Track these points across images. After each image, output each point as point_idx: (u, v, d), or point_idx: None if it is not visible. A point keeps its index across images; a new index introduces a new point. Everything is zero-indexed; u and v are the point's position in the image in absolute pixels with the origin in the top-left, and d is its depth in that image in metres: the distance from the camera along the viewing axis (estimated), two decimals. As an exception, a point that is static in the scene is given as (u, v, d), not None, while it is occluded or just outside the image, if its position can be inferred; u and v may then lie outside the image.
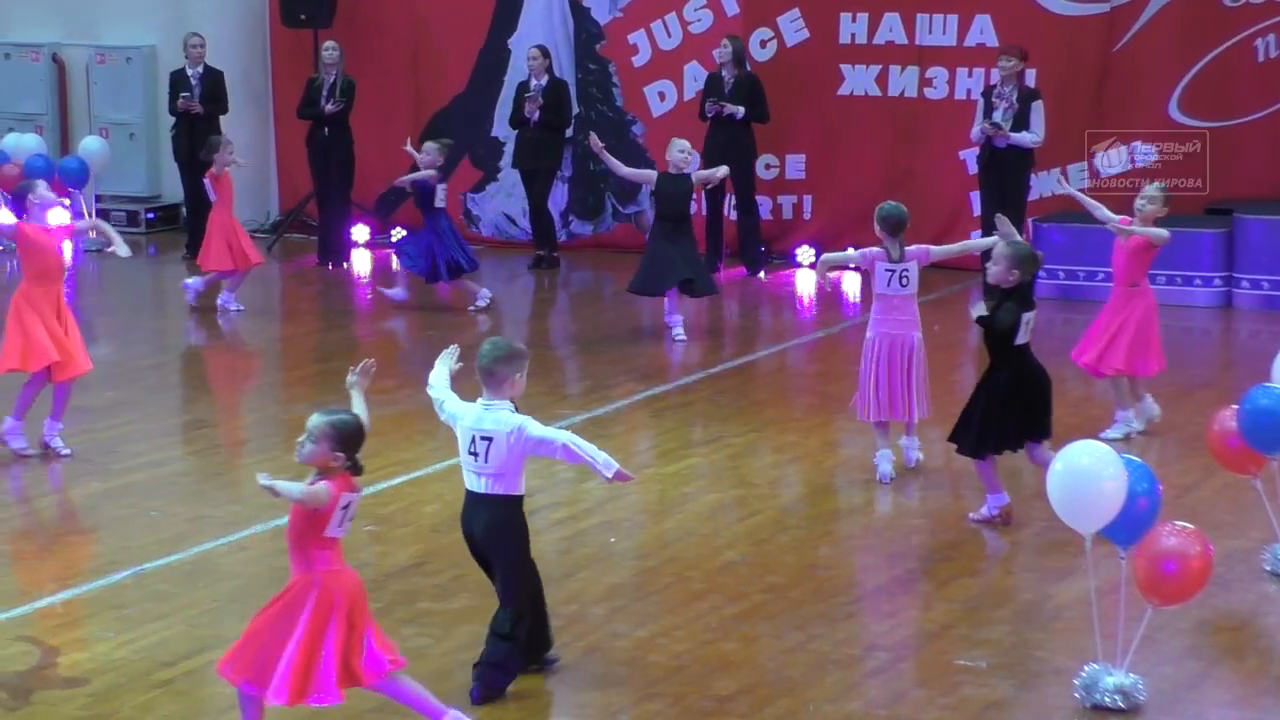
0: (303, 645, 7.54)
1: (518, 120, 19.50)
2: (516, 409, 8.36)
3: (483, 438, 8.30)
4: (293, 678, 7.50)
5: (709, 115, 18.67)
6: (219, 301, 17.27)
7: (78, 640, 9.04)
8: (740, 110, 18.52)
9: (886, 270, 11.97)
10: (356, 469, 7.77)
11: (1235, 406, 10.06)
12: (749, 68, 18.80)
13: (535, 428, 8.32)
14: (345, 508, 7.69)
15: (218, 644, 9.09)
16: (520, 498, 8.46)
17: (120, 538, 10.81)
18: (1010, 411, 10.82)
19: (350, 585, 7.73)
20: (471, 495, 8.47)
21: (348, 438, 7.71)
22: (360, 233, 20.48)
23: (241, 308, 17.24)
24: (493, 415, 8.31)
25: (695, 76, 19.87)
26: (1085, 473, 8.25)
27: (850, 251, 12.72)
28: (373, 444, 12.83)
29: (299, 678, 7.50)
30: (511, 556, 8.50)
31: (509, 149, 20.32)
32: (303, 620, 7.58)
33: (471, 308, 16.98)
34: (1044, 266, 17.41)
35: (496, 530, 8.43)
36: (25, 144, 20.78)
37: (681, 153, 15.90)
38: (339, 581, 7.69)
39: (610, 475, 8.23)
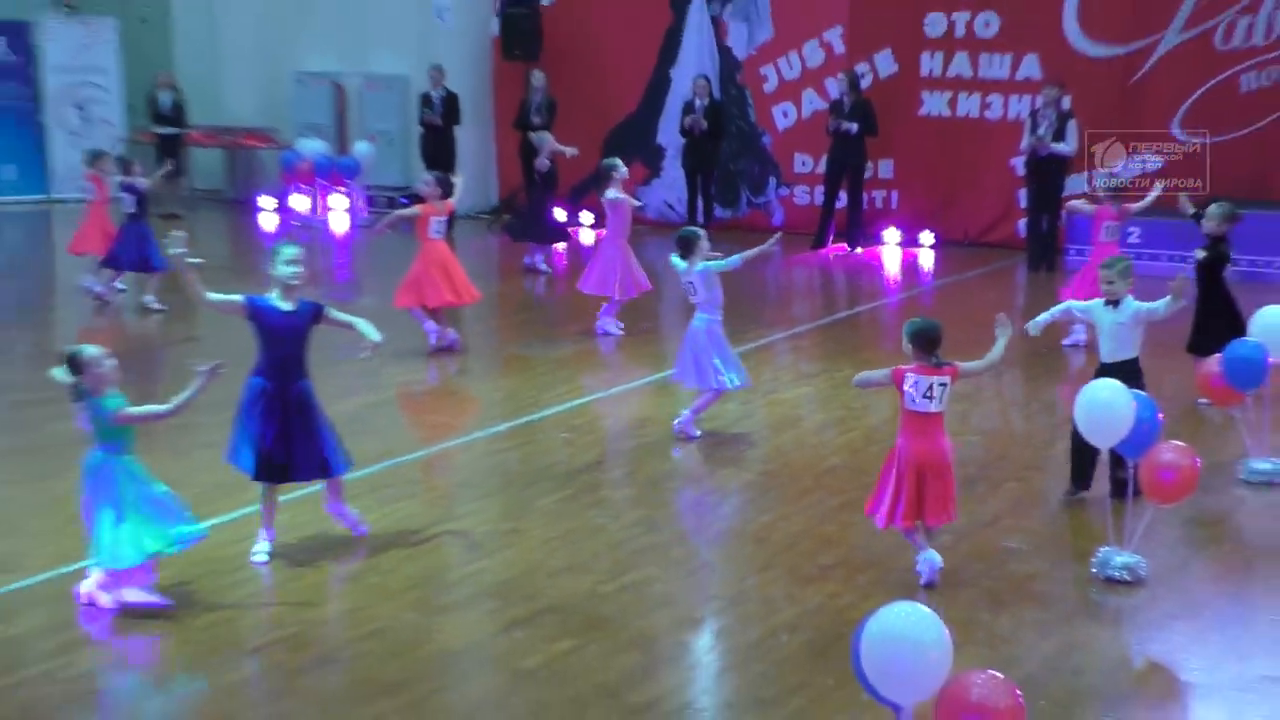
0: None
1: (685, 130, 19.47)
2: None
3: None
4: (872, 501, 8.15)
5: (831, 131, 18.58)
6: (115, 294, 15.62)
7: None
8: (855, 126, 18.40)
9: None
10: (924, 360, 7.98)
11: (1219, 355, 9.98)
12: (862, 93, 18.68)
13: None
14: (913, 386, 7.90)
15: (449, 519, 9.23)
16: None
17: (383, 437, 10.97)
18: (1217, 326, 11.16)
19: (912, 453, 7.92)
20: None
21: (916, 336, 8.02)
22: (559, 215, 20.49)
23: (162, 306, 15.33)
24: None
25: (810, 100, 19.76)
26: (1104, 403, 8.17)
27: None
28: (564, 373, 13.05)
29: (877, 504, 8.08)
30: None
31: (670, 153, 20.33)
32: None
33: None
34: (1076, 246, 17.25)
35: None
36: (314, 146, 21.06)
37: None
38: (905, 447, 7.96)
39: None
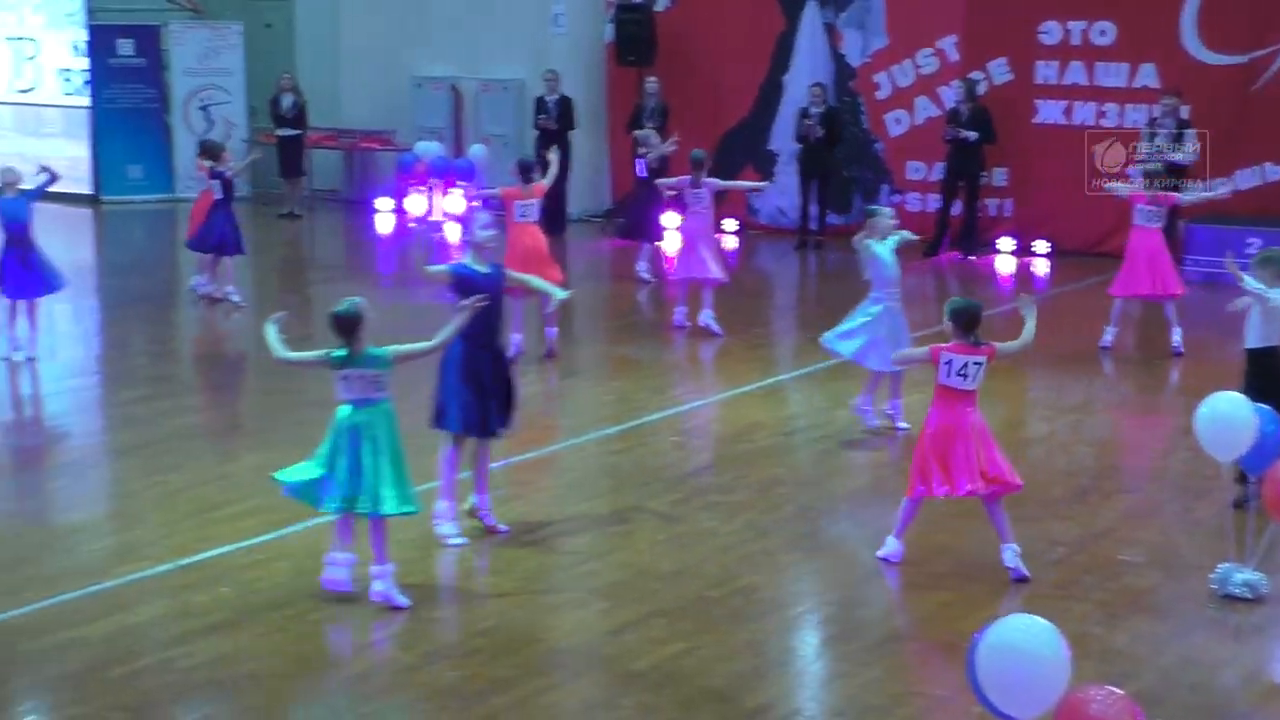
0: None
1: (800, 136, 19.35)
2: None
3: None
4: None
5: (947, 139, 18.42)
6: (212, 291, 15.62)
7: (464, 511, 9.16)
8: (973, 135, 18.22)
9: None
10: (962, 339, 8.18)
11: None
12: (979, 101, 18.49)
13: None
14: (948, 363, 8.09)
15: (562, 519, 9.20)
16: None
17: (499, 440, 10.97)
18: None
19: (937, 424, 8.16)
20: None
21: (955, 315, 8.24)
22: (670, 219, 20.42)
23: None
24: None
25: (924, 107, 19.54)
26: (1225, 416, 7.97)
27: None
28: (672, 377, 12.99)
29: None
30: None
31: (783, 159, 20.19)
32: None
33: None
34: (1191, 257, 16.92)
35: None
36: (431, 149, 21.17)
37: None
38: (934, 418, 8.19)
39: None
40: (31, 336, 13.08)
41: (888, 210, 11.38)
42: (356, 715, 6.79)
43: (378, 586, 7.73)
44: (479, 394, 8.63)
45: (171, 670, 7.05)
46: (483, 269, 8.70)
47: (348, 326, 7.62)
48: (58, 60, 23.42)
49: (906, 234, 11.23)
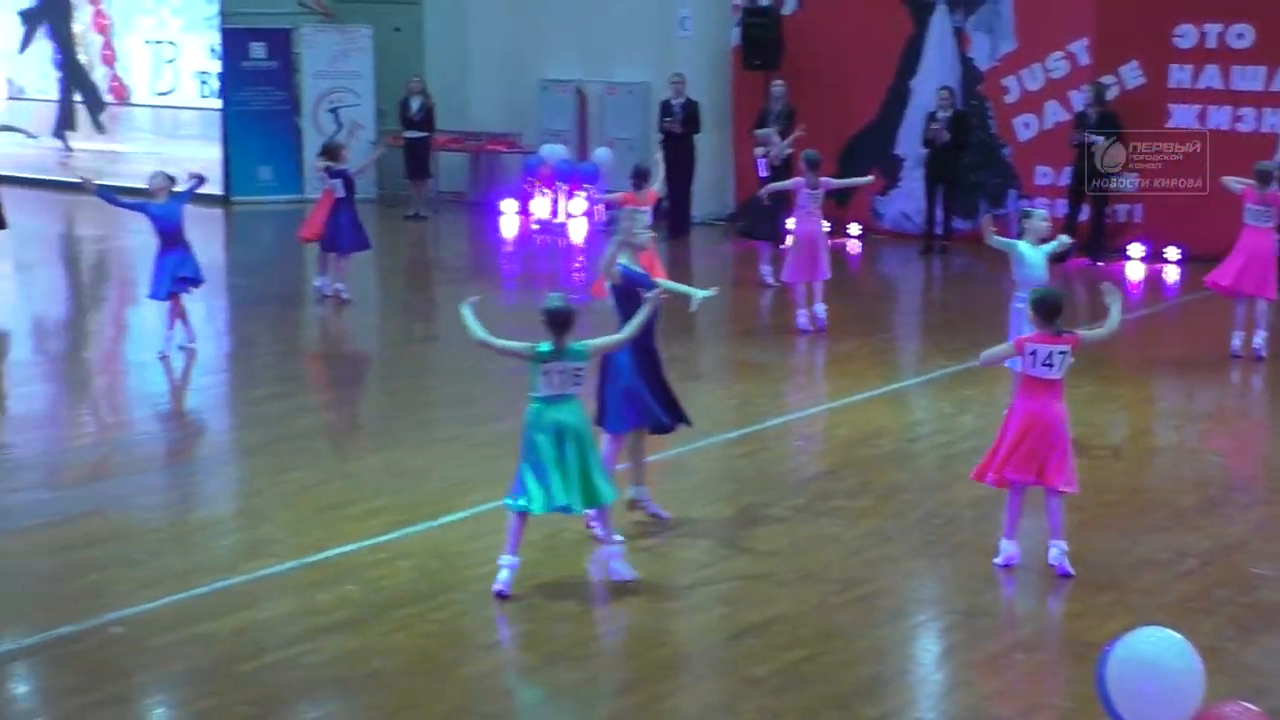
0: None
1: (927, 141, 19.20)
2: None
3: None
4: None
5: (1074, 143, 18.16)
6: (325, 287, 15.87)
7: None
8: (1100, 139, 17.97)
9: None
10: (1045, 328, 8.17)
11: None
12: (1107, 105, 18.21)
13: None
14: (1033, 354, 8.07)
15: (684, 522, 9.17)
16: None
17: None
18: None
19: (1022, 413, 8.14)
20: None
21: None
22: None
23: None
24: None
25: (1054, 111, 19.27)
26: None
27: None
28: (798, 380, 12.92)
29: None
30: None
31: (909, 163, 20.02)
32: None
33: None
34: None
35: None
36: (555, 152, 21.27)
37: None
38: (1019, 407, 8.19)
39: None
40: (168, 335, 13.33)
41: (1041, 212, 11.22)
42: (478, 715, 6.82)
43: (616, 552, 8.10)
44: (655, 392, 8.79)
45: (297, 666, 7.13)
46: (640, 270, 8.78)
47: (561, 322, 7.74)
48: (195, 63, 23.86)
49: (1064, 238, 11.07)
